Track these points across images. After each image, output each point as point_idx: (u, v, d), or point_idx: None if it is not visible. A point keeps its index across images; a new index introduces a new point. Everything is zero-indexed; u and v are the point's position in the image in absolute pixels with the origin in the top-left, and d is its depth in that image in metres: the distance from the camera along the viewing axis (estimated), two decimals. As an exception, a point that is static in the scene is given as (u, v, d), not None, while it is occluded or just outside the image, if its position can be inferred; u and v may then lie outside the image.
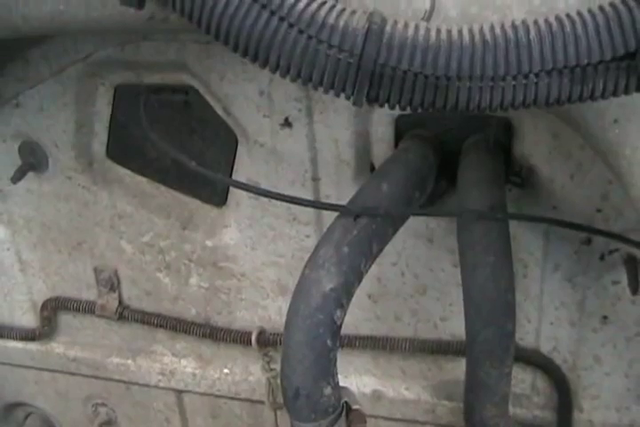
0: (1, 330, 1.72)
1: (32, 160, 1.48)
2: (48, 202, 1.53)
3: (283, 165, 1.31)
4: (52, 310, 1.66)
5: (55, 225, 1.56)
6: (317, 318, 0.90)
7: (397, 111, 1.16)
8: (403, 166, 1.10)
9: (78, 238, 1.56)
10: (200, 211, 1.46)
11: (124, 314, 1.59)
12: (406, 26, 0.73)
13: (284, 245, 1.40)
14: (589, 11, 0.70)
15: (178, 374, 1.63)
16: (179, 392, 1.66)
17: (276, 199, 1.08)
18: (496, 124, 1.14)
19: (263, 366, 1.50)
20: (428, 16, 0.82)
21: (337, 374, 0.95)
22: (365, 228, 0.97)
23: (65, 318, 1.68)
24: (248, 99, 1.25)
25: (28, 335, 1.69)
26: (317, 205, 1.27)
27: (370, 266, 0.98)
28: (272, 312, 1.49)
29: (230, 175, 1.36)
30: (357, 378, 1.48)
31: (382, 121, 1.21)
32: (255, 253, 1.43)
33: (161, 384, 1.66)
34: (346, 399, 0.97)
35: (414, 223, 1.25)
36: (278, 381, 0.98)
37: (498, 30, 0.71)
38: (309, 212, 1.33)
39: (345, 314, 0.94)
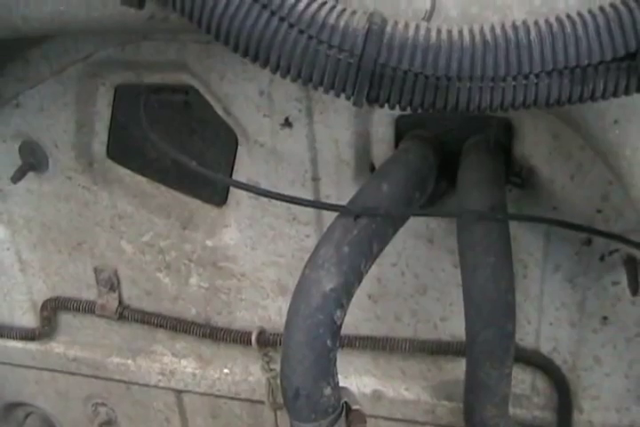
0: (1, 330, 1.72)
1: (32, 160, 1.48)
2: (48, 202, 1.53)
3: (283, 164, 1.31)
4: (52, 310, 1.66)
5: (55, 225, 1.56)
6: (317, 319, 0.90)
7: (398, 112, 1.16)
8: (403, 167, 1.10)
9: (78, 238, 1.56)
10: (200, 211, 1.46)
11: (124, 314, 1.59)
12: (407, 26, 0.73)
13: (284, 245, 1.40)
14: (590, 11, 0.70)
15: (178, 374, 1.63)
16: (178, 392, 1.67)
17: (276, 199, 1.08)
18: (496, 125, 1.14)
19: (263, 366, 1.50)
20: (429, 16, 0.82)
21: (337, 374, 0.95)
22: (365, 228, 0.97)
23: (65, 318, 1.68)
24: (248, 99, 1.26)
25: (28, 335, 1.69)
26: (317, 205, 1.27)
27: (370, 266, 0.98)
28: (272, 312, 1.49)
29: (230, 175, 1.36)
30: (357, 378, 1.48)
31: (382, 121, 1.21)
32: (255, 252, 1.43)
33: (161, 384, 1.66)
34: (346, 400, 0.97)
35: (414, 224, 1.25)
36: (278, 381, 0.98)
37: (498, 31, 0.71)
38: (309, 212, 1.33)
39: (345, 314, 0.93)
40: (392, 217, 1.01)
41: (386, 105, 0.76)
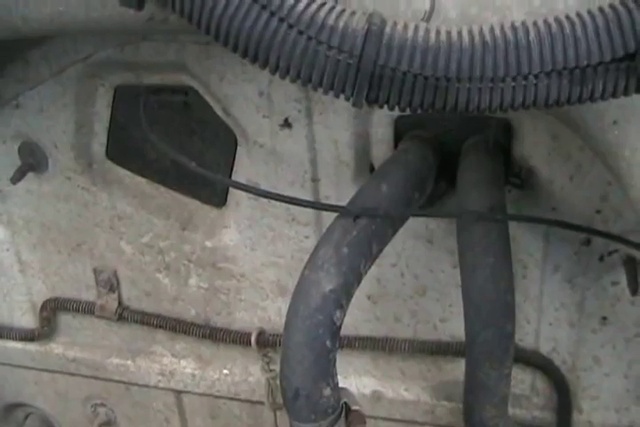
0: (0, 330, 1.72)
1: (32, 161, 1.48)
2: (48, 203, 1.53)
3: (282, 165, 1.31)
4: (52, 311, 1.66)
5: (55, 226, 1.56)
6: (317, 319, 0.90)
7: (397, 112, 1.16)
8: (402, 167, 1.10)
9: (78, 239, 1.56)
10: (200, 211, 1.46)
11: (124, 315, 1.59)
12: (406, 27, 0.73)
13: (283, 245, 1.40)
14: (589, 12, 0.70)
15: (177, 375, 1.63)
16: (178, 393, 1.66)
17: (276, 200, 1.08)
18: (495, 126, 1.14)
19: (263, 366, 1.50)
20: (428, 17, 0.82)
21: (336, 374, 0.95)
22: (365, 228, 0.97)
23: (64, 319, 1.68)
24: (248, 99, 1.26)
25: (28, 336, 1.69)
26: (317, 205, 1.27)
27: (369, 267, 0.98)
28: (271, 313, 1.49)
29: (230, 176, 1.36)
30: (357, 379, 1.48)
31: (382, 122, 1.21)
32: (255, 253, 1.43)
33: (160, 385, 1.66)
34: (345, 400, 0.97)
35: (414, 224, 1.25)
36: (278, 381, 0.98)
37: (497, 31, 0.71)
38: (309, 212, 1.33)
39: (344, 315, 0.94)
40: (391, 218, 1.01)
41: (385, 106, 0.76)
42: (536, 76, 0.71)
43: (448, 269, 1.31)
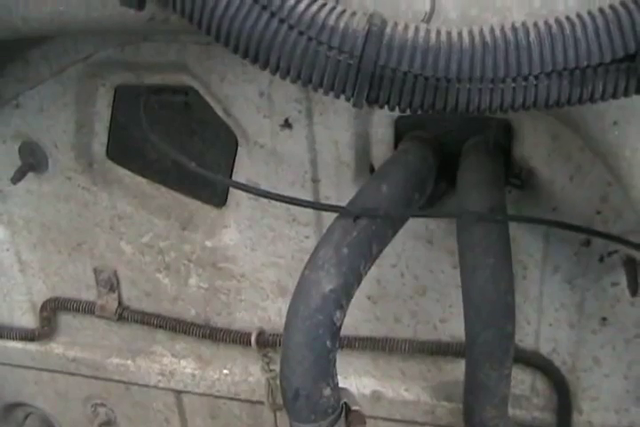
0: (1, 330, 1.72)
1: (32, 161, 1.48)
2: (48, 202, 1.53)
3: (283, 166, 1.31)
4: (52, 311, 1.66)
5: (55, 226, 1.56)
6: (317, 319, 0.90)
7: (397, 113, 1.16)
8: (402, 168, 1.10)
9: (78, 239, 1.56)
10: (200, 211, 1.46)
11: (124, 315, 1.59)
12: (406, 27, 0.73)
13: (283, 246, 1.40)
14: (589, 13, 0.70)
15: (177, 375, 1.63)
16: (178, 393, 1.67)
17: (276, 200, 1.08)
18: (496, 126, 1.14)
19: (263, 366, 1.51)
20: (428, 18, 0.82)
21: (336, 375, 0.95)
22: (365, 229, 0.97)
23: (64, 319, 1.68)
24: (248, 100, 1.26)
25: (28, 336, 1.69)
26: (317, 206, 1.27)
27: (369, 267, 0.98)
28: (272, 313, 1.49)
29: (230, 176, 1.36)
30: (357, 379, 1.48)
31: (382, 122, 1.21)
32: (255, 253, 1.43)
33: (160, 385, 1.66)
34: (345, 400, 0.97)
35: (414, 225, 1.25)
36: (278, 381, 0.98)
37: (498, 32, 0.71)
38: (309, 213, 1.33)
39: (344, 315, 0.94)
40: (391, 218, 1.01)
41: (385, 106, 0.76)
42: (536, 77, 0.71)
43: (448, 270, 1.31)
